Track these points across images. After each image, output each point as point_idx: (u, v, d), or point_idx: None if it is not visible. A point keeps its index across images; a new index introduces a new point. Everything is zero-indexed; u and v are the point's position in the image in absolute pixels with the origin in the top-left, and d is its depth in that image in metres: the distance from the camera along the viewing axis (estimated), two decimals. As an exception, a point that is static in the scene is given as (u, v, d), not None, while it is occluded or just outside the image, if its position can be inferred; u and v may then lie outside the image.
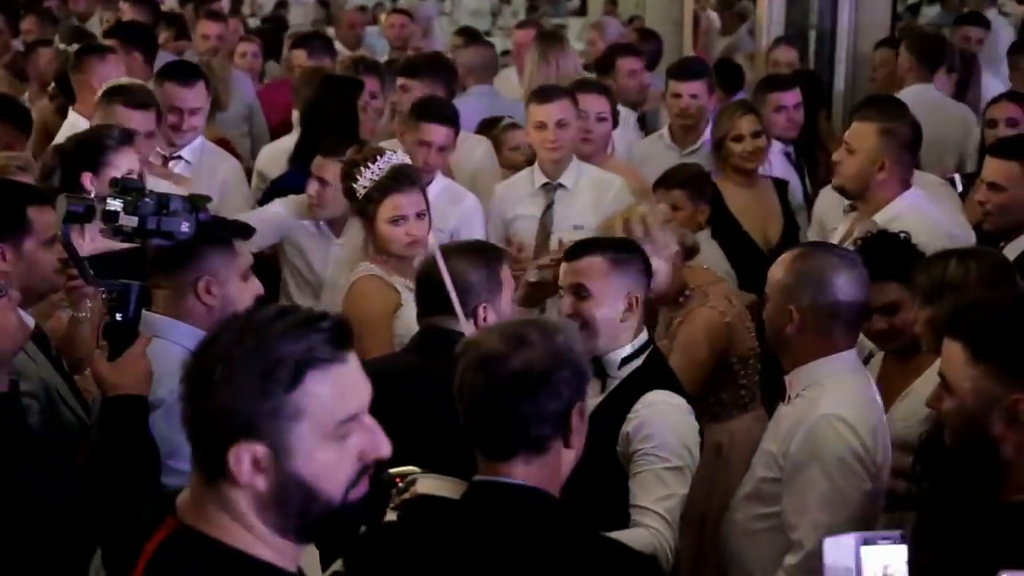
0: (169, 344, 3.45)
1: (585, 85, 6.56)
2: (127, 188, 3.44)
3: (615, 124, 6.50)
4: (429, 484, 2.91)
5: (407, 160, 4.88)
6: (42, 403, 3.70)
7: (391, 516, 2.92)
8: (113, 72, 6.29)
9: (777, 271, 3.78)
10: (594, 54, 9.24)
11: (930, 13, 13.53)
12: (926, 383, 3.90)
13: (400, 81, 6.77)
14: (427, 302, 3.84)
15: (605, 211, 5.76)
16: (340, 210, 5.33)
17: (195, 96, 6.09)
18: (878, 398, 3.82)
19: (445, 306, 3.68)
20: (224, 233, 3.64)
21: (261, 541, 2.17)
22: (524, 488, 2.68)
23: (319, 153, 5.55)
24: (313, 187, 5.50)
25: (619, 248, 4.14)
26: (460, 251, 3.94)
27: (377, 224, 4.71)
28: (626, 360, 3.96)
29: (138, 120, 5.43)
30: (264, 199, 6.07)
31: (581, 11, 14.57)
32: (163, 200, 3.42)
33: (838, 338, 3.73)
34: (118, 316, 3.39)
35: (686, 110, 6.82)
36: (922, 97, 7.31)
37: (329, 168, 5.40)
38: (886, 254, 4.23)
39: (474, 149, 6.71)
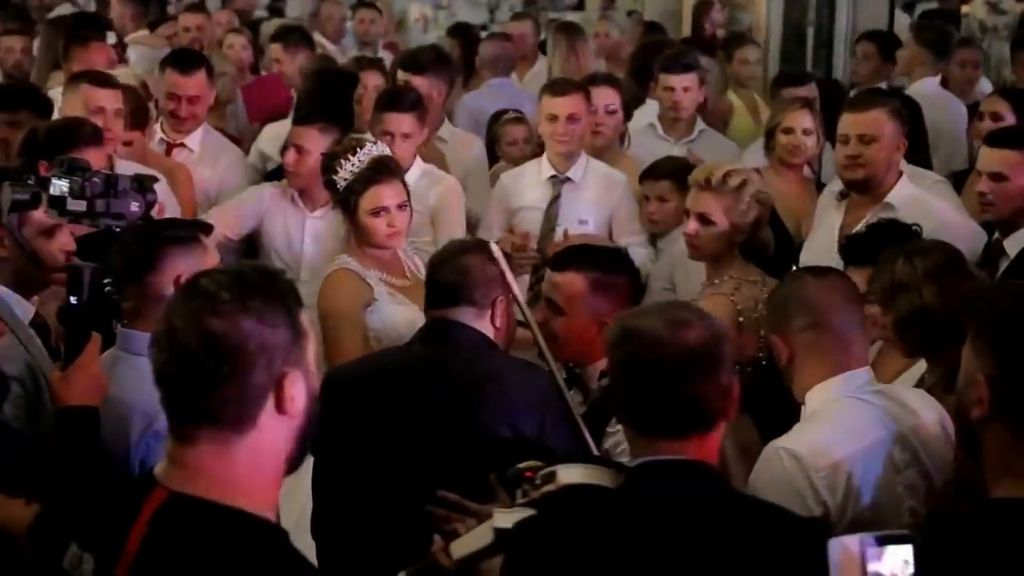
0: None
1: (594, 78, 6.62)
2: (72, 168, 3.36)
3: (627, 117, 6.53)
4: (575, 473, 2.86)
5: (387, 151, 4.87)
6: (28, 389, 3.66)
7: (513, 514, 2.86)
8: (97, 59, 6.39)
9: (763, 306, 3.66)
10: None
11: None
12: (910, 379, 3.94)
13: (401, 76, 6.75)
14: (435, 295, 3.81)
15: (609, 208, 5.88)
16: (314, 180, 5.38)
17: (195, 84, 6.15)
18: (880, 426, 3.44)
19: (452, 299, 3.72)
20: (187, 232, 3.61)
21: (259, 497, 2.24)
22: (697, 464, 2.72)
23: (294, 123, 5.71)
24: (290, 156, 5.60)
25: (607, 267, 4.11)
26: (474, 247, 3.92)
27: (359, 216, 4.70)
28: (605, 373, 3.92)
29: (103, 97, 5.46)
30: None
31: (579, 6, 14.56)
32: (111, 180, 3.37)
33: (833, 359, 3.42)
34: (72, 299, 3.28)
35: (679, 103, 6.82)
36: (932, 90, 7.41)
37: (304, 136, 5.55)
38: (891, 241, 4.21)
39: (468, 148, 6.76)
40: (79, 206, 3.33)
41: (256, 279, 2.27)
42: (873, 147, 5.15)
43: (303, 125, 5.67)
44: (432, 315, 3.81)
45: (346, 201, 4.72)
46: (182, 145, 6.24)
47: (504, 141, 6.79)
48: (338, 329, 4.57)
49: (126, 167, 5.19)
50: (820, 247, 5.18)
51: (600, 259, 4.20)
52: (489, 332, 3.77)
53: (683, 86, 6.80)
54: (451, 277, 3.75)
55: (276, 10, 13.85)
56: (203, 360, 2.18)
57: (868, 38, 8.81)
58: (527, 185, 6.01)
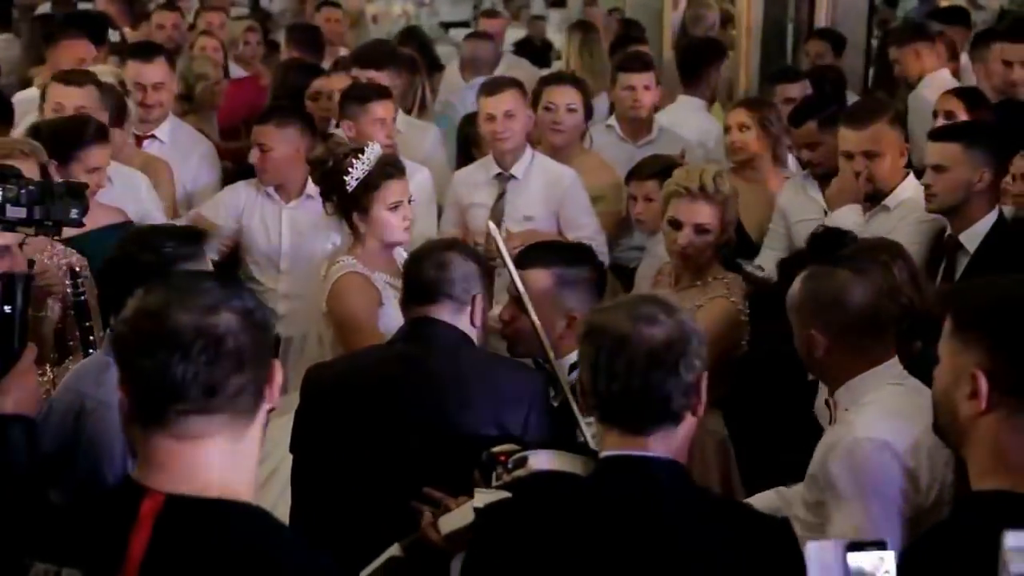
0: None
1: (555, 78, 6.72)
2: (4, 175, 3.29)
3: (588, 116, 6.55)
4: (545, 460, 2.93)
5: (385, 152, 4.94)
6: None
7: (491, 495, 2.94)
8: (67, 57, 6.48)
9: (792, 297, 3.61)
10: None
11: (907, 6, 13.57)
12: None
13: (358, 72, 6.83)
14: (418, 291, 3.81)
15: (555, 204, 5.91)
16: (283, 175, 5.52)
17: (157, 71, 6.28)
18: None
19: (431, 296, 3.74)
20: (196, 248, 3.63)
21: (249, 484, 2.27)
22: (662, 460, 2.74)
23: (254, 123, 5.85)
24: (255, 155, 5.74)
25: (570, 261, 4.14)
26: (451, 244, 3.95)
27: (375, 212, 4.71)
28: (575, 366, 3.87)
29: (75, 96, 5.52)
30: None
31: (560, 2, 14.59)
32: (46, 187, 3.31)
33: (872, 351, 3.50)
34: (6, 308, 3.11)
35: (640, 103, 6.84)
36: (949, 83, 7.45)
37: (263, 133, 5.71)
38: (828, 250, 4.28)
39: (422, 139, 6.85)
40: (18, 213, 3.28)
41: (233, 276, 2.32)
42: (877, 161, 5.24)
43: (261, 124, 5.80)
44: (412, 313, 3.81)
45: (357, 200, 4.72)
46: (152, 137, 6.31)
47: (481, 140, 6.78)
48: (352, 335, 4.58)
49: (113, 169, 5.27)
50: None
51: (563, 254, 4.23)
52: (468, 329, 3.79)
53: (643, 84, 6.84)
54: (430, 274, 3.76)
55: (261, 9, 13.84)
56: (224, 351, 2.21)
57: (819, 36, 8.92)
58: (476, 182, 6.08)
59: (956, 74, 8.06)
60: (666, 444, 2.76)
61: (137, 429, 2.25)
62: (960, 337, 2.46)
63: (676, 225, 4.63)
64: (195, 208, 6.07)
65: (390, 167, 4.77)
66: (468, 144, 6.90)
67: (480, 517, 2.94)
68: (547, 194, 5.95)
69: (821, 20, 9.99)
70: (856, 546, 2.18)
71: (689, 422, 2.80)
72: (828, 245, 4.25)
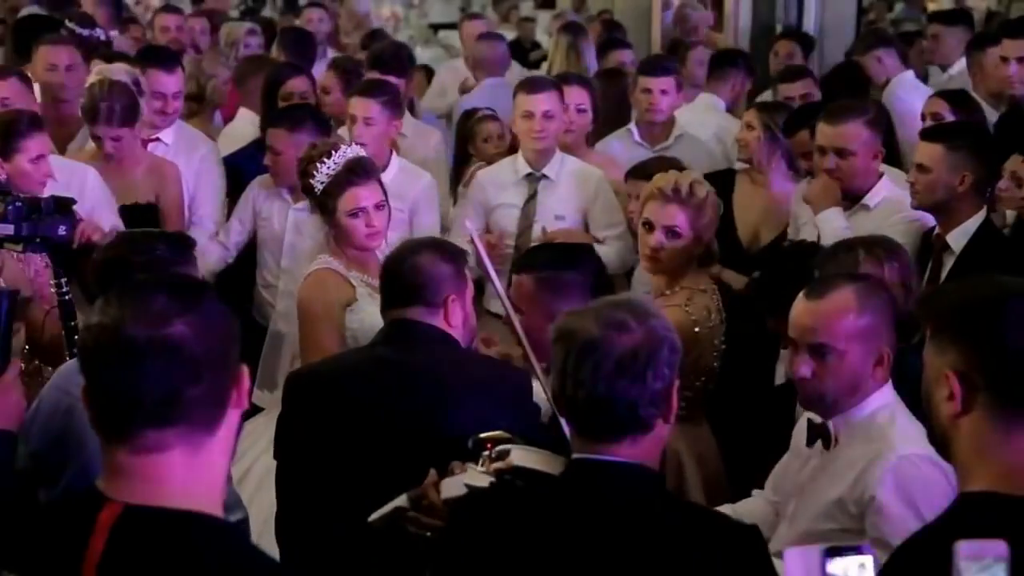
0: None
1: (566, 78, 6.67)
2: None
3: (596, 117, 6.56)
4: (524, 456, 2.94)
5: (362, 153, 4.90)
6: None
7: (481, 480, 2.97)
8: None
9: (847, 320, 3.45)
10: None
11: (897, 8, 13.64)
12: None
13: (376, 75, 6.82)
14: (393, 294, 3.78)
15: (584, 203, 5.91)
16: (294, 178, 5.47)
17: (175, 80, 6.33)
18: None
19: (405, 298, 3.71)
20: (188, 255, 3.66)
21: (214, 496, 2.24)
22: (629, 465, 2.73)
23: (268, 126, 5.97)
24: (268, 158, 5.84)
25: (559, 266, 4.12)
26: (425, 245, 3.90)
27: (337, 217, 4.72)
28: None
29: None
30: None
31: (549, 4, 14.61)
32: (33, 203, 3.27)
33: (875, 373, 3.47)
34: None
35: (655, 106, 6.79)
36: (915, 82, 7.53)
37: (276, 137, 5.79)
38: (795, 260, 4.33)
39: (427, 141, 6.86)
40: (6, 229, 3.25)
41: (191, 283, 2.32)
42: (849, 160, 5.25)
43: (274, 127, 5.87)
44: (390, 315, 3.79)
45: (324, 204, 4.75)
46: (157, 140, 6.31)
47: (478, 139, 6.80)
48: (317, 328, 4.60)
49: (56, 164, 5.30)
50: None
51: (553, 259, 4.22)
52: (448, 328, 3.76)
53: (660, 88, 6.79)
54: (404, 277, 3.73)
55: (251, 11, 13.86)
56: (177, 362, 2.16)
57: (787, 36, 8.94)
58: (503, 183, 6.05)
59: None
60: (634, 450, 2.75)
61: (101, 439, 2.23)
62: (936, 341, 2.48)
63: (648, 227, 4.59)
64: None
65: (353, 173, 4.73)
66: (464, 141, 6.89)
67: (451, 511, 2.97)
68: (577, 194, 5.95)
69: (810, 24, 10.00)
70: (835, 551, 2.15)
71: (660, 429, 2.78)
72: (799, 257, 4.28)
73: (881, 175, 5.36)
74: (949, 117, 6.15)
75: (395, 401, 3.59)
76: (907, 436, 3.35)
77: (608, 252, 5.60)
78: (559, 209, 5.91)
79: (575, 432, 2.80)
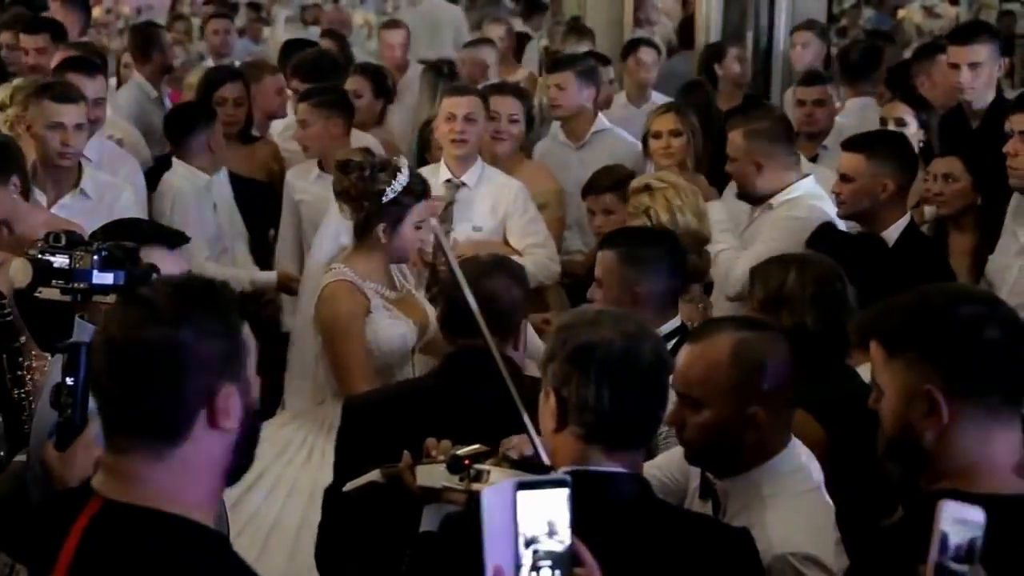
0: None
1: (499, 87, 6.74)
2: (72, 242, 2.98)
3: (529, 127, 6.59)
4: (505, 476, 2.85)
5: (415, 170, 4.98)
6: None
7: (456, 484, 2.95)
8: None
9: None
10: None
11: (867, 14, 13.62)
12: None
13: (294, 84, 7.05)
14: (456, 323, 3.61)
15: (502, 215, 5.92)
16: (326, 147, 5.81)
17: (98, 86, 6.32)
18: (827, 498, 3.16)
19: (475, 328, 3.30)
20: (177, 237, 3.56)
21: (194, 507, 2.24)
22: (629, 475, 2.73)
23: (298, 101, 6.44)
24: (299, 133, 6.26)
25: (642, 243, 4.29)
26: (497, 268, 3.75)
27: (403, 229, 4.71)
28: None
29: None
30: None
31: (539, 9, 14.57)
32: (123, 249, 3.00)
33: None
34: (68, 380, 2.82)
35: (553, 101, 6.98)
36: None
37: (305, 110, 6.24)
38: None
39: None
40: (105, 279, 2.95)
41: (198, 291, 2.28)
42: (735, 165, 5.37)
43: (302, 102, 6.34)
44: (456, 344, 3.64)
45: (390, 211, 4.70)
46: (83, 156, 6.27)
47: (434, 146, 6.77)
48: (345, 344, 4.57)
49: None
50: None
51: (636, 237, 4.41)
52: (514, 357, 3.63)
53: (555, 83, 6.92)
54: (482, 305, 3.31)
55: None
56: (136, 369, 2.20)
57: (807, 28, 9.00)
58: None
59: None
60: (635, 460, 2.77)
61: None
62: (897, 360, 2.48)
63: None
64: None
65: (426, 188, 4.80)
66: (423, 148, 6.91)
67: (431, 533, 2.94)
68: (496, 206, 5.95)
69: (780, 28, 9.99)
70: (527, 485, 2.05)
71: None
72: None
73: (806, 176, 5.42)
74: (912, 122, 6.35)
75: (445, 431, 3.24)
76: (788, 527, 2.96)
77: (527, 263, 5.52)
78: (476, 220, 5.92)
79: (585, 443, 2.72)
